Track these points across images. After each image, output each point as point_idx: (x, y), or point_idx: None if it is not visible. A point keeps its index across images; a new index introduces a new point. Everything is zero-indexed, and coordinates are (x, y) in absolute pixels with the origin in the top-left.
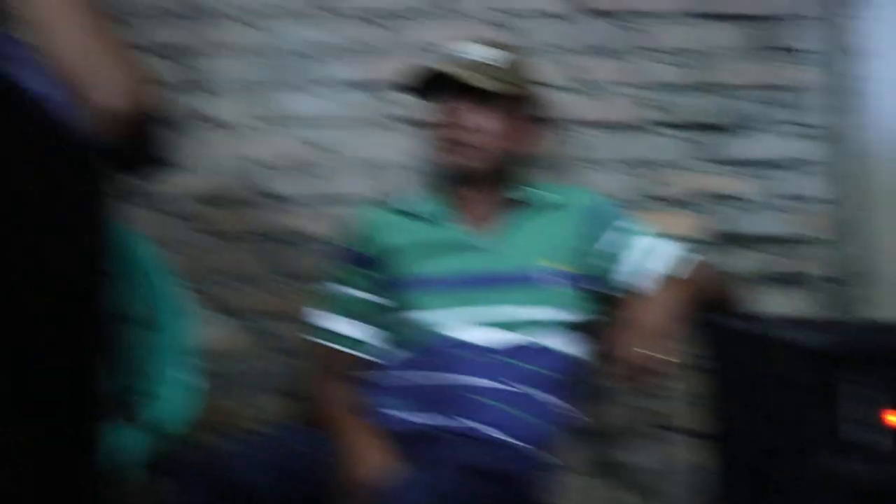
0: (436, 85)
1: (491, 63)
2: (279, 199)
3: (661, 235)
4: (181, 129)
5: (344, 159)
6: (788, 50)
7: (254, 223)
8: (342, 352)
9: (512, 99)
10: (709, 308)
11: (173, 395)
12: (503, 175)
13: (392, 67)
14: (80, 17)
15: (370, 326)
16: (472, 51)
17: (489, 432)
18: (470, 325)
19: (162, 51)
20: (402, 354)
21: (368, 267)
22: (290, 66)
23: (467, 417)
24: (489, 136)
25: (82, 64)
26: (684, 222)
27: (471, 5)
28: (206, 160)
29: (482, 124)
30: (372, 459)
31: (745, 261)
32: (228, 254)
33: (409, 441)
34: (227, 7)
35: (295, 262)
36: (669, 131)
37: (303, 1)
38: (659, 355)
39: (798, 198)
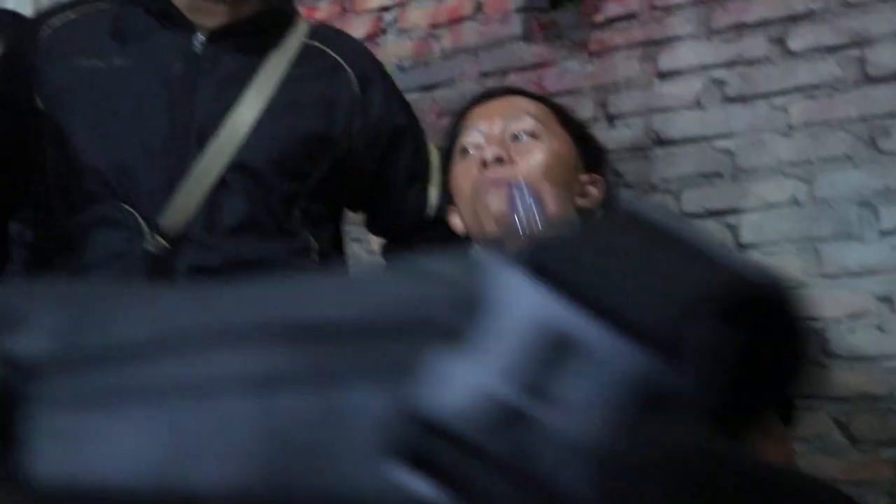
0: None
1: None
2: (849, 358)
3: None
4: None
5: None
6: None
7: (824, 384)
8: None
9: None
10: None
11: None
12: None
13: None
14: None
15: None
16: None
17: None
18: None
19: (705, 214)
20: None
21: None
22: (842, 215)
23: None
24: None
25: None
26: None
27: None
28: None
29: None
30: None
31: None
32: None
33: None
34: (768, 161)
35: (871, 426)
36: None
37: (848, 145)
38: None
39: None
